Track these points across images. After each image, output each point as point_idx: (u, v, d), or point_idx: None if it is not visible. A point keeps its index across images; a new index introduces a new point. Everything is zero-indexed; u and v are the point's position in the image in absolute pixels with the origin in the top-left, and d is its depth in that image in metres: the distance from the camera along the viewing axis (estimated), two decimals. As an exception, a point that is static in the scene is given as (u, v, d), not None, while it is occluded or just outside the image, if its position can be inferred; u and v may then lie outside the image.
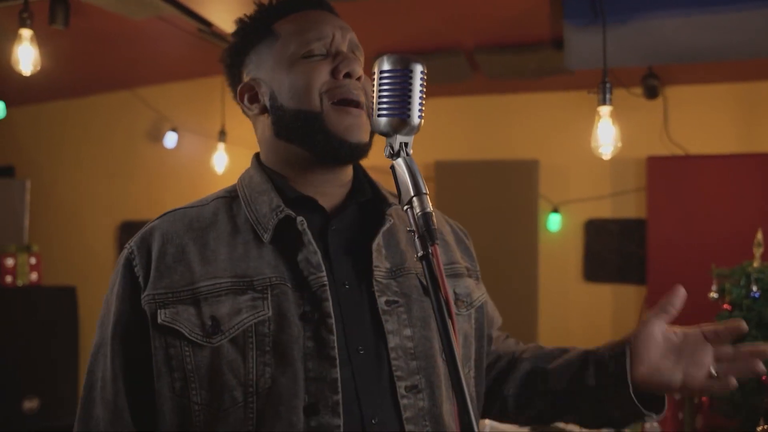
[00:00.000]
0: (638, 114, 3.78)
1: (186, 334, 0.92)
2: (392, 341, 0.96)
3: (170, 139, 4.61)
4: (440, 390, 0.98)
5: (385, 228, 1.02)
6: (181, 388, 0.92)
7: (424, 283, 1.03)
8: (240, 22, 1.09)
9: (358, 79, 1.01)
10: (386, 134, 0.86)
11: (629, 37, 2.42)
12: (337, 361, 0.91)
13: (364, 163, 1.09)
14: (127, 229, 4.81)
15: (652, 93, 3.51)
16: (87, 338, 4.77)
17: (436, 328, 0.97)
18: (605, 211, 4.11)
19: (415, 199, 0.82)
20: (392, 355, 0.95)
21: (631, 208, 4.08)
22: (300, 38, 1.01)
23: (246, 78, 1.07)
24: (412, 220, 0.82)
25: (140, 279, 0.96)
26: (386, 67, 0.84)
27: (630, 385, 1.01)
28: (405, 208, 0.83)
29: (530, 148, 4.19)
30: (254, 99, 1.05)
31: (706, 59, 2.74)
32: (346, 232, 1.02)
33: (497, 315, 1.24)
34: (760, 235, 2.45)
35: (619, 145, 2.24)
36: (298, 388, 0.90)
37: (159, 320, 0.93)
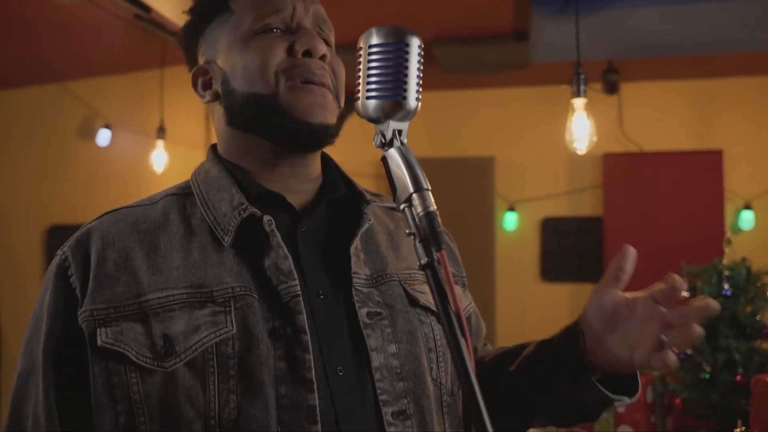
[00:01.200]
0: (594, 110, 3.76)
1: (132, 357, 0.78)
2: (376, 360, 0.85)
3: (103, 137, 4.36)
4: (431, 414, 0.87)
5: (364, 228, 0.90)
6: (126, 423, 0.79)
7: (410, 292, 0.92)
8: (194, 0, 0.96)
9: (322, 57, 0.89)
10: (376, 120, 0.75)
11: (599, 28, 2.34)
12: (315, 385, 0.79)
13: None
14: (56, 234, 4.55)
15: (611, 88, 3.49)
16: (10, 362, 4.45)
17: (424, 342, 0.89)
18: (562, 209, 4.10)
19: (415, 196, 0.71)
20: (376, 375, 0.84)
21: (588, 205, 4.10)
22: (255, 12, 0.90)
23: (200, 61, 0.95)
24: (411, 222, 0.71)
25: (77, 291, 0.82)
26: (376, 40, 0.73)
27: (588, 368, 0.88)
28: (402, 206, 0.72)
29: (486, 145, 4.13)
30: (207, 84, 0.93)
31: (675, 53, 2.71)
32: (318, 234, 0.90)
33: (482, 324, 1.13)
34: (729, 233, 2.43)
35: (595, 139, 2.15)
36: (269, 419, 0.78)
37: (99, 341, 0.78)
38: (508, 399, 0.99)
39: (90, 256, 0.83)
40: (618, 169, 3.91)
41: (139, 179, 4.42)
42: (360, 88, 0.75)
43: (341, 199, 0.94)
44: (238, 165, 0.92)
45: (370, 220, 0.92)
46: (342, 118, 0.92)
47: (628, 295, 0.87)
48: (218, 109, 0.93)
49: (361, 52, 0.75)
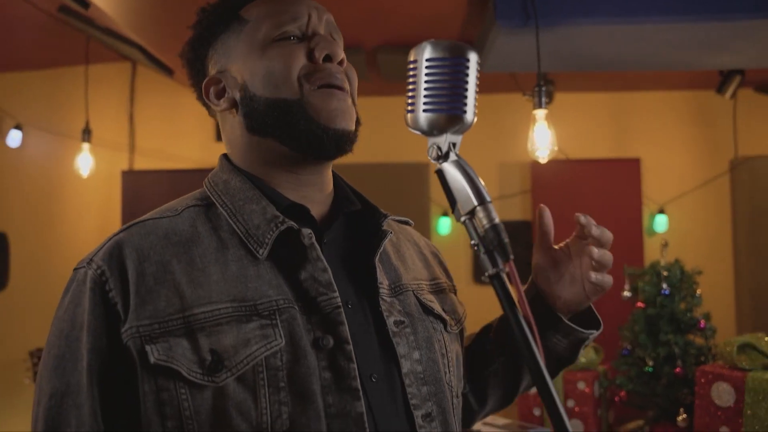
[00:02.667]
0: (524, 119, 3.93)
1: (184, 373, 0.76)
2: (405, 366, 0.88)
3: (13, 138, 4.02)
4: (450, 415, 0.92)
5: (386, 240, 0.93)
6: None
7: (423, 301, 0.96)
8: (201, 11, 0.96)
9: (340, 63, 0.91)
10: (429, 133, 0.77)
11: (552, 42, 2.45)
12: (360, 393, 0.81)
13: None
14: (-41, 241, 4.18)
15: (548, 97, 3.63)
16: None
17: (439, 349, 0.93)
18: (493, 213, 4.24)
19: (479, 209, 0.74)
20: (406, 381, 0.87)
21: (517, 210, 4.27)
22: (272, 20, 0.91)
23: (212, 71, 0.95)
24: (474, 233, 0.74)
25: (118, 306, 0.79)
26: (434, 54, 0.75)
27: (558, 315, 1.01)
28: (463, 219, 0.75)
29: (421, 152, 4.16)
30: (221, 93, 0.93)
31: (609, 68, 2.87)
32: (339, 246, 0.92)
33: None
34: (663, 239, 2.61)
35: (556, 148, 2.25)
36: (321, 427, 0.79)
37: (152, 359, 0.76)
38: (495, 372, 1.08)
39: (127, 270, 0.80)
40: (546, 175, 4.09)
41: (58, 183, 4.17)
42: (413, 100, 0.76)
43: (355, 212, 0.96)
44: (256, 175, 0.92)
45: (391, 232, 0.94)
46: (358, 125, 0.93)
47: (561, 244, 1.02)
48: (234, 118, 0.93)
49: (416, 66, 0.76)
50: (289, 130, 0.87)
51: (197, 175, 3.95)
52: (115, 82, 4.24)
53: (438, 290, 1.03)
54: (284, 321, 0.81)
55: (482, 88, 0.79)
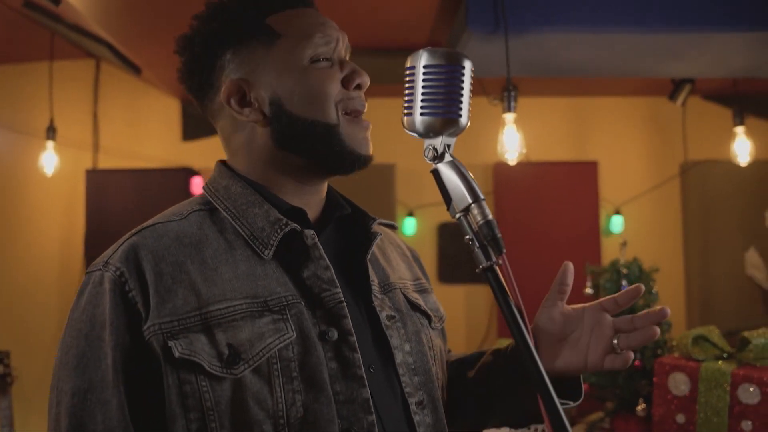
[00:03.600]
0: (488, 122, 4.04)
1: (206, 366, 0.82)
2: (398, 357, 0.94)
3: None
4: (439, 403, 0.98)
5: (377, 241, 1.00)
6: (197, 430, 0.82)
7: (409, 298, 1.03)
8: (219, 6, 0.97)
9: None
10: (425, 135, 0.82)
11: (520, 48, 2.55)
12: (365, 380, 0.88)
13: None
14: None
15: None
16: None
17: (426, 342, 1.00)
18: (457, 214, 4.33)
19: (474, 206, 0.79)
20: (400, 371, 0.94)
21: None
22: (309, 41, 0.94)
23: (233, 76, 0.95)
24: (469, 229, 0.79)
25: (138, 305, 0.84)
26: (431, 61, 0.80)
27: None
28: (457, 215, 0.80)
29: (387, 153, 4.25)
30: (246, 102, 0.95)
31: (572, 74, 3.00)
32: (333, 247, 0.98)
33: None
34: (622, 239, 2.75)
35: (524, 151, 2.35)
36: (332, 413, 0.85)
37: (176, 353, 0.81)
38: (466, 402, 1.11)
39: (145, 272, 0.85)
40: (508, 177, 4.18)
41: (25, 181, 4.09)
42: (410, 104, 0.81)
43: (346, 216, 1.02)
44: (258, 181, 0.96)
45: (380, 234, 1.02)
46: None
47: (576, 306, 0.99)
48: (259, 129, 0.95)
49: (413, 72, 0.81)
50: (322, 150, 0.93)
51: (162, 174, 3.93)
52: (79, 80, 4.16)
53: (421, 290, 1.10)
54: (293, 315, 0.87)
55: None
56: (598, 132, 4.48)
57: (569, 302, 1.00)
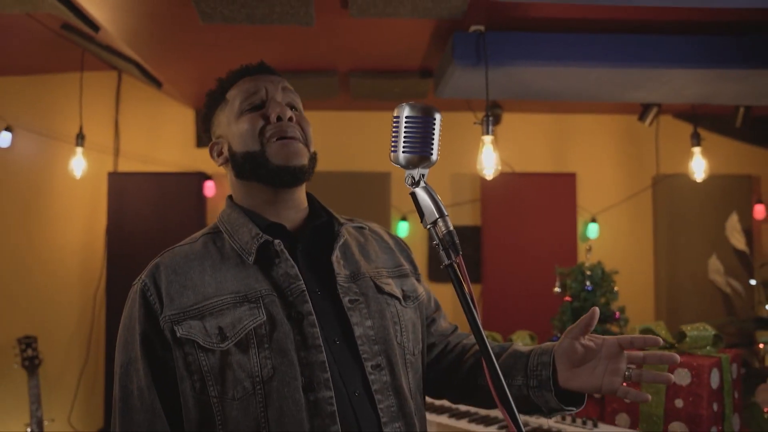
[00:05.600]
0: (477, 136, 4.35)
1: (201, 342, 1.09)
2: (357, 331, 1.15)
3: (3, 139, 4.22)
4: (398, 367, 1.17)
5: (340, 243, 1.22)
6: (200, 388, 1.09)
7: (378, 284, 1.22)
8: (206, 95, 1.31)
9: (290, 119, 1.21)
10: (406, 167, 1.00)
11: (500, 77, 2.89)
12: (323, 348, 1.10)
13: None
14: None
15: (496, 120, 4.09)
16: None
17: (390, 318, 1.19)
18: (446, 219, 4.60)
19: (439, 220, 0.99)
20: (359, 342, 1.14)
21: (468, 216, 4.62)
22: (241, 97, 1.24)
23: (213, 136, 1.30)
24: (437, 236, 0.99)
25: (156, 305, 1.13)
26: (411, 114, 0.98)
27: (553, 390, 1.15)
28: (428, 226, 1.00)
29: (383, 162, 4.52)
30: (220, 152, 1.27)
31: (550, 98, 3.33)
32: (309, 250, 1.21)
33: (434, 299, 1.42)
34: (589, 244, 3.06)
35: (499, 168, 2.70)
36: (296, 372, 1.08)
37: (178, 334, 1.10)
38: (479, 388, 1.26)
39: (161, 283, 1.14)
40: (494, 186, 4.30)
41: (51, 183, 4.37)
42: (395, 144, 0.99)
43: (322, 224, 1.25)
44: (247, 208, 1.23)
45: (344, 236, 1.24)
46: (313, 160, 1.23)
47: (596, 340, 1.11)
48: (228, 169, 1.26)
49: (399, 120, 0.99)
50: (259, 171, 1.19)
51: (177, 177, 4.24)
52: (103, 90, 4.42)
53: (400, 275, 1.29)
54: (266, 304, 1.11)
55: (438, 108, 1.01)
56: (576, 146, 4.70)
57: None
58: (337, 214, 1.29)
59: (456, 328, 1.43)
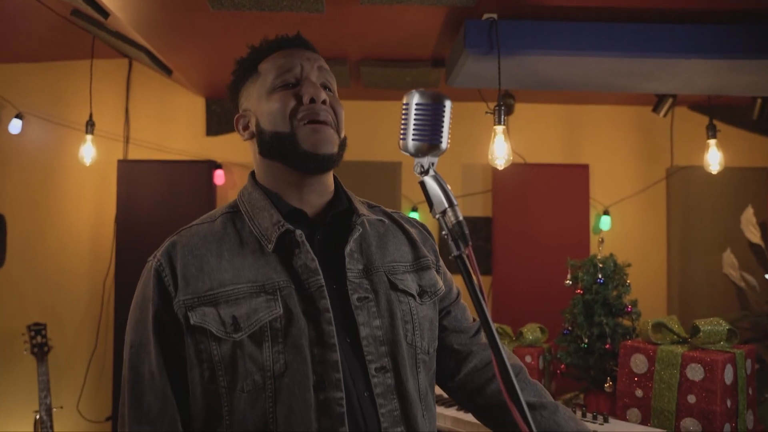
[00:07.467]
0: (489, 126, 4.31)
1: (214, 331, 1.06)
2: (363, 331, 1.11)
3: (14, 125, 4.23)
4: (405, 369, 1.13)
5: (354, 237, 1.17)
6: (209, 377, 1.06)
7: (392, 280, 1.18)
8: (236, 63, 1.25)
9: (324, 102, 1.15)
10: (415, 155, 0.97)
11: (507, 67, 2.85)
12: (337, 347, 1.06)
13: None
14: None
15: (508, 110, 4.04)
16: None
17: (401, 317, 1.15)
18: (457, 209, 4.58)
19: (449, 209, 0.95)
20: (363, 343, 1.10)
21: (479, 207, 4.58)
22: (274, 73, 1.18)
23: (241, 108, 1.24)
24: (446, 226, 0.96)
25: (170, 287, 1.09)
26: (421, 100, 0.95)
27: None
28: (437, 216, 0.97)
29: (394, 152, 4.51)
30: (246, 126, 1.22)
31: (561, 88, 3.29)
32: (327, 241, 1.17)
33: (456, 290, 1.34)
34: (601, 236, 3.02)
35: (511, 158, 2.66)
36: (308, 370, 1.05)
37: (192, 322, 1.06)
38: (472, 404, 1.27)
39: (176, 263, 1.10)
40: (505, 177, 4.34)
41: (61, 170, 4.38)
42: (405, 132, 0.97)
43: (342, 212, 1.20)
44: (269, 188, 1.18)
45: (359, 230, 1.18)
46: (342, 147, 1.18)
47: None
48: (254, 145, 1.20)
49: (408, 107, 0.97)
50: (285, 155, 1.14)
51: (187, 166, 4.23)
52: (114, 77, 4.41)
53: (420, 268, 1.23)
54: (284, 296, 1.07)
55: (450, 97, 0.99)
56: (590, 137, 4.64)
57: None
58: (359, 202, 1.24)
59: (479, 328, 1.32)
